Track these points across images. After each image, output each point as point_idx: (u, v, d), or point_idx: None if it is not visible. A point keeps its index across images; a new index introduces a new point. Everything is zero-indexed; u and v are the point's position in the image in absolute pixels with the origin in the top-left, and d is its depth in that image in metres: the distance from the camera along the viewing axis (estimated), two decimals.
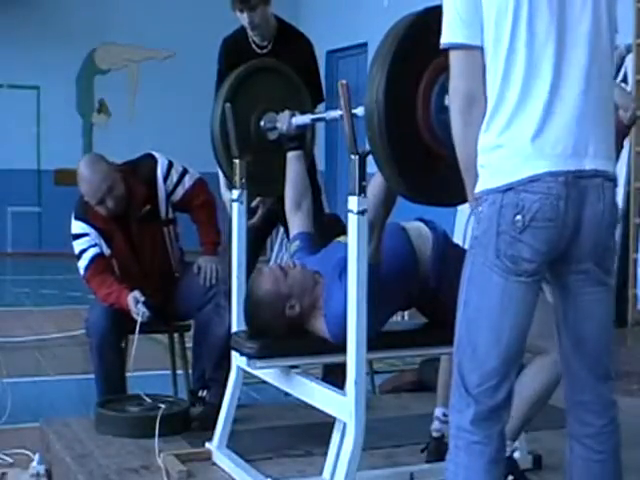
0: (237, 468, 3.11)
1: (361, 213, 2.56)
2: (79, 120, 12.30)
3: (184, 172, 4.02)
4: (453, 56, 2.09)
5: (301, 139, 3.31)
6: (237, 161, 3.30)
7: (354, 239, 2.58)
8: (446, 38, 2.10)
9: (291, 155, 3.29)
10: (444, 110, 2.42)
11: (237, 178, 3.30)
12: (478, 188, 2.09)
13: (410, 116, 2.46)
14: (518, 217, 2.01)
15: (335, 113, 2.80)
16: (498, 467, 2.14)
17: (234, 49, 4.06)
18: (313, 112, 3.58)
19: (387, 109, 2.41)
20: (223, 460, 3.21)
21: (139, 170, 3.98)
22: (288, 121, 3.23)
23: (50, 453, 3.53)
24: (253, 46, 4.05)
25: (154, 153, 4.05)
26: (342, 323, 2.71)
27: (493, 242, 2.04)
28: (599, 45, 2.09)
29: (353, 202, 2.57)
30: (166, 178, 3.97)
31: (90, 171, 3.82)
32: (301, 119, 3.23)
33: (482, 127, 2.08)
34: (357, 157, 2.54)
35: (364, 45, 10.55)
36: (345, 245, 2.69)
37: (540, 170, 2.02)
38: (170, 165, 4.00)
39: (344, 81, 2.57)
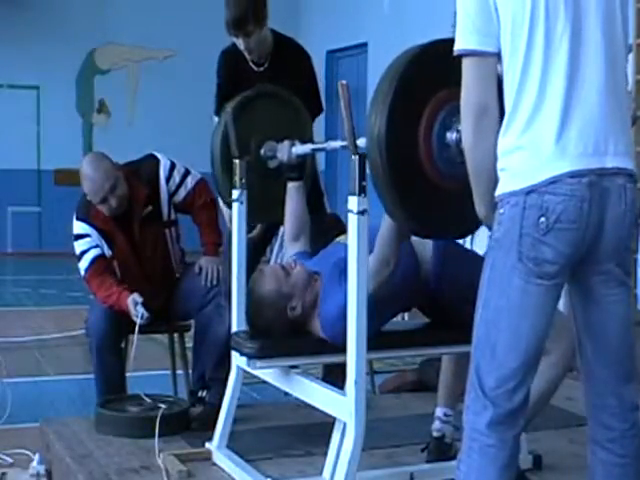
0: (237, 468, 3.11)
1: (361, 213, 2.56)
2: (79, 120, 12.30)
3: (186, 173, 4.02)
4: (465, 64, 2.08)
5: (301, 168, 3.31)
6: (237, 161, 3.30)
7: (354, 239, 2.58)
8: (459, 45, 2.08)
9: (291, 186, 3.29)
10: (446, 147, 2.43)
11: (237, 178, 3.30)
12: (499, 191, 2.08)
13: (412, 153, 2.45)
14: (542, 219, 2.00)
15: (336, 144, 2.79)
16: (511, 472, 2.14)
17: (232, 65, 4.00)
18: (313, 139, 3.59)
19: (389, 148, 2.41)
20: (223, 460, 3.21)
21: (141, 171, 3.98)
22: (288, 151, 3.23)
23: (50, 453, 3.53)
24: (250, 64, 3.99)
25: (156, 154, 4.05)
26: (336, 324, 2.73)
27: (515, 244, 2.03)
28: (613, 42, 2.09)
29: (353, 202, 2.56)
30: (168, 179, 3.97)
31: (93, 169, 3.82)
32: (301, 149, 3.22)
33: (500, 130, 2.07)
34: (357, 157, 2.54)
35: (364, 45, 10.56)
36: (345, 246, 2.69)
37: (561, 170, 2.01)
38: (172, 166, 4.00)
39: (344, 81, 2.56)
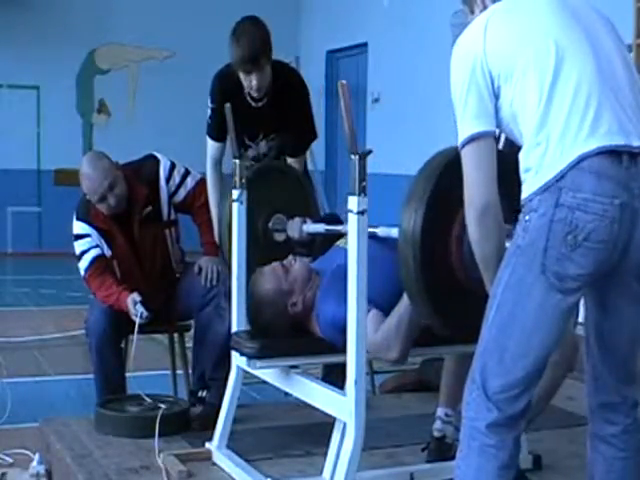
0: (237, 468, 3.11)
1: (361, 213, 2.56)
2: (79, 120, 12.28)
3: (186, 173, 4.02)
4: (464, 153, 2.11)
5: (311, 245, 3.31)
6: (237, 161, 3.30)
7: (354, 239, 2.58)
8: (459, 140, 2.11)
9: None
10: None
11: (237, 178, 3.30)
12: (525, 193, 2.07)
13: (444, 254, 2.50)
14: (570, 236, 1.99)
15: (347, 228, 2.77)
16: (510, 472, 2.14)
17: (227, 91, 3.92)
18: (319, 212, 3.62)
19: (423, 246, 2.46)
20: (223, 460, 3.21)
21: (141, 171, 3.97)
22: (299, 228, 3.24)
23: (50, 453, 3.53)
24: (248, 99, 3.94)
25: (156, 154, 4.05)
26: (335, 331, 2.76)
27: (539, 256, 2.02)
28: (617, 36, 2.14)
29: (353, 202, 2.56)
30: (168, 179, 3.97)
31: (91, 167, 3.82)
32: (313, 228, 3.23)
33: (525, 135, 2.08)
34: (357, 157, 2.54)
35: (364, 45, 10.54)
36: (345, 251, 2.68)
37: (591, 147, 1.98)
38: (172, 166, 4.00)
39: (344, 81, 2.56)
